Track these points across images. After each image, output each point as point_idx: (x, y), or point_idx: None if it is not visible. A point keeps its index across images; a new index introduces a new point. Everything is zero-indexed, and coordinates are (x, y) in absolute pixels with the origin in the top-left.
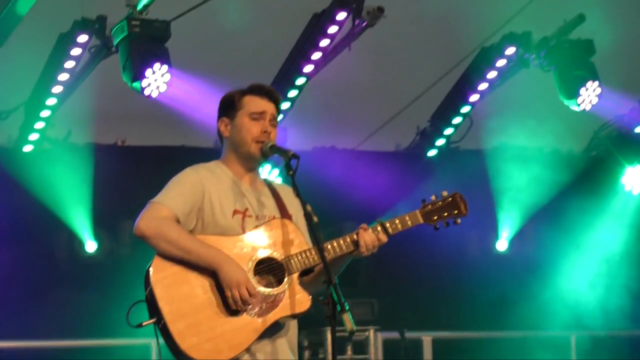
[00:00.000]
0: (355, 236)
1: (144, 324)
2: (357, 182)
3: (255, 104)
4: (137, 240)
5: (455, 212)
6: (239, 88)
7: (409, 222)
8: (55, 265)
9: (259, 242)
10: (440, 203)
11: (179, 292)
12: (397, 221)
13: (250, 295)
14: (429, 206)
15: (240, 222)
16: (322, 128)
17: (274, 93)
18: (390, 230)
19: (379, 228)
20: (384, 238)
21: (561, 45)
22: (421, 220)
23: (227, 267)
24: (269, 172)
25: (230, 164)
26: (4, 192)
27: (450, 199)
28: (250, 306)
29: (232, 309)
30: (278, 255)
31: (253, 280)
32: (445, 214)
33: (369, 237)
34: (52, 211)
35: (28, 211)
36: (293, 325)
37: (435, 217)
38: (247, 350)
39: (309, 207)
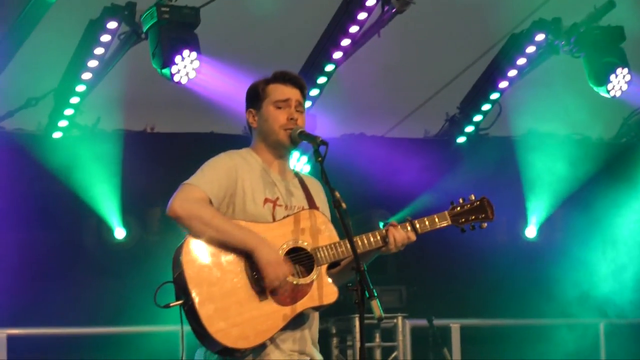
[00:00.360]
0: (384, 232)
1: (171, 304)
2: (385, 169)
3: (279, 91)
4: (165, 227)
5: (482, 216)
6: (263, 77)
7: (438, 223)
8: (83, 252)
9: (289, 231)
10: (468, 206)
11: (209, 276)
12: (426, 221)
13: (284, 277)
14: (457, 208)
15: (271, 211)
16: (351, 115)
17: (298, 79)
18: (419, 229)
19: (409, 227)
20: (412, 237)
21: (591, 32)
22: (449, 222)
23: (263, 247)
24: (298, 159)
25: (260, 152)
26: (34, 179)
27: (478, 202)
28: (283, 288)
29: (264, 292)
30: (307, 245)
31: None
32: (473, 217)
33: (399, 235)
34: (81, 198)
35: (57, 198)
36: (316, 318)
37: (462, 220)
38: (272, 339)
39: (337, 194)
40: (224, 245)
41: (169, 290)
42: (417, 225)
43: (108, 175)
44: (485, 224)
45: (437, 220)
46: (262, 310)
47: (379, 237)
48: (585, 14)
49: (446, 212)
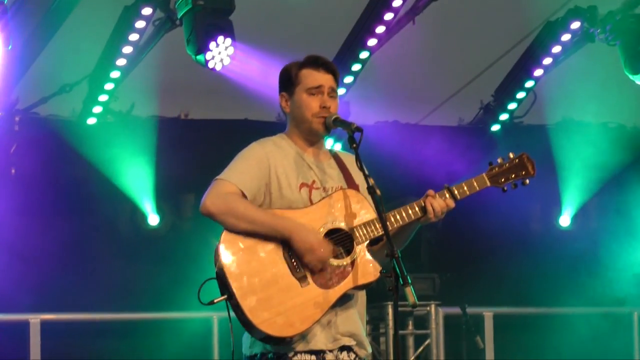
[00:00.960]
0: (422, 202)
1: (215, 301)
2: (419, 157)
3: (312, 78)
4: (199, 213)
5: (523, 172)
6: (296, 61)
7: (477, 186)
8: (117, 238)
9: (327, 213)
10: (507, 165)
11: (248, 268)
12: (464, 185)
13: (327, 258)
14: (496, 168)
15: (307, 195)
16: (385, 102)
17: (330, 64)
18: (457, 195)
19: (447, 194)
20: (451, 203)
21: (626, 20)
22: (488, 183)
23: (299, 232)
24: (332, 147)
25: (294, 137)
26: (68, 165)
27: (517, 160)
28: (325, 271)
29: (305, 278)
30: (345, 225)
31: None
32: (513, 175)
33: (437, 203)
34: (115, 184)
35: (91, 184)
36: (362, 295)
37: (502, 180)
38: (319, 321)
39: (371, 181)
40: (260, 236)
41: (212, 282)
42: (456, 191)
43: (142, 161)
44: (527, 181)
45: (475, 183)
46: (305, 296)
47: (417, 208)
48: (620, 2)
49: (484, 174)
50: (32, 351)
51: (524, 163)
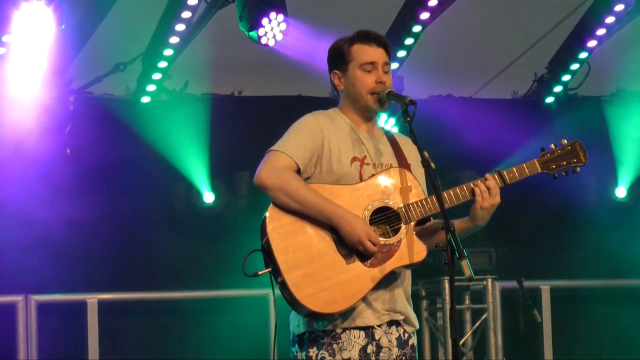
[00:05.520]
0: (472, 185)
1: (259, 273)
2: (474, 131)
3: (365, 53)
4: (254, 191)
5: (575, 160)
6: (346, 37)
7: (527, 171)
8: (173, 216)
9: (375, 191)
10: (559, 151)
11: (294, 242)
12: (515, 171)
13: (374, 246)
14: (548, 155)
15: (358, 170)
16: (439, 76)
17: (381, 38)
18: (508, 179)
19: (497, 177)
20: (495, 187)
21: None
22: (539, 170)
23: (347, 222)
24: (385, 122)
25: (348, 113)
26: (122, 144)
27: (569, 147)
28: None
29: (350, 254)
30: (394, 204)
31: None
32: (564, 163)
33: (482, 186)
34: (170, 162)
35: (146, 162)
36: (408, 275)
37: (553, 166)
38: (363, 299)
39: (426, 154)
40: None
41: (258, 257)
42: (506, 176)
43: (196, 139)
44: (578, 169)
45: (526, 169)
46: (350, 273)
47: (466, 190)
48: None
49: (535, 160)
50: (90, 331)
51: (576, 151)
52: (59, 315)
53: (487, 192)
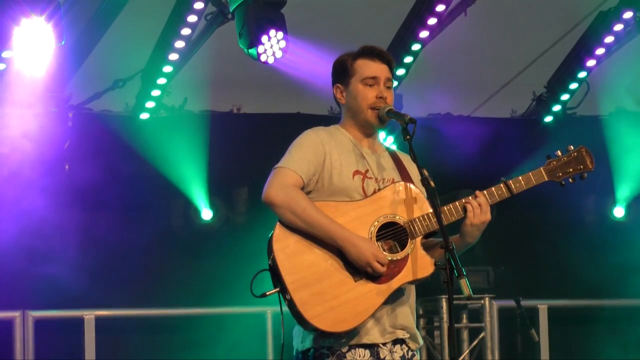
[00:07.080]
0: (463, 202)
1: (267, 293)
2: (472, 149)
3: (367, 68)
4: (252, 208)
5: (581, 166)
6: (350, 52)
7: (534, 180)
8: (171, 233)
9: (381, 206)
10: (565, 158)
11: (301, 261)
12: (521, 180)
13: (382, 266)
14: (554, 162)
15: (360, 183)
16: (438, 94)
17: (385, 54)
18: (514, 189)
19: (503, 187)
20: (485, 204)
21: None
22: (546, 178)
23: (353, 245)
24: (384, 139)
25: (349, 128)
26: (121, 160)
27: (575, 153)
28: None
29: (358, 272)
30: (400, 219)
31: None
32: (571, 170)
33: (474, 203)
34: (168, 179)
35: (144, 179)
36: (412, 290)
37: (560, 174)
38: (372, 316)
39: (425, 172)
40: None
41: (263, 276)
42: (512, 186)
43: (195, 156)
44: (585, 175)
45: (533, 178)
46: (358, 291)
47: (459, 207)
48: None
49: (541, 168)
50: (87, 347)
51: (583, 156)
52: (56, 332)
53: (478, 209)
